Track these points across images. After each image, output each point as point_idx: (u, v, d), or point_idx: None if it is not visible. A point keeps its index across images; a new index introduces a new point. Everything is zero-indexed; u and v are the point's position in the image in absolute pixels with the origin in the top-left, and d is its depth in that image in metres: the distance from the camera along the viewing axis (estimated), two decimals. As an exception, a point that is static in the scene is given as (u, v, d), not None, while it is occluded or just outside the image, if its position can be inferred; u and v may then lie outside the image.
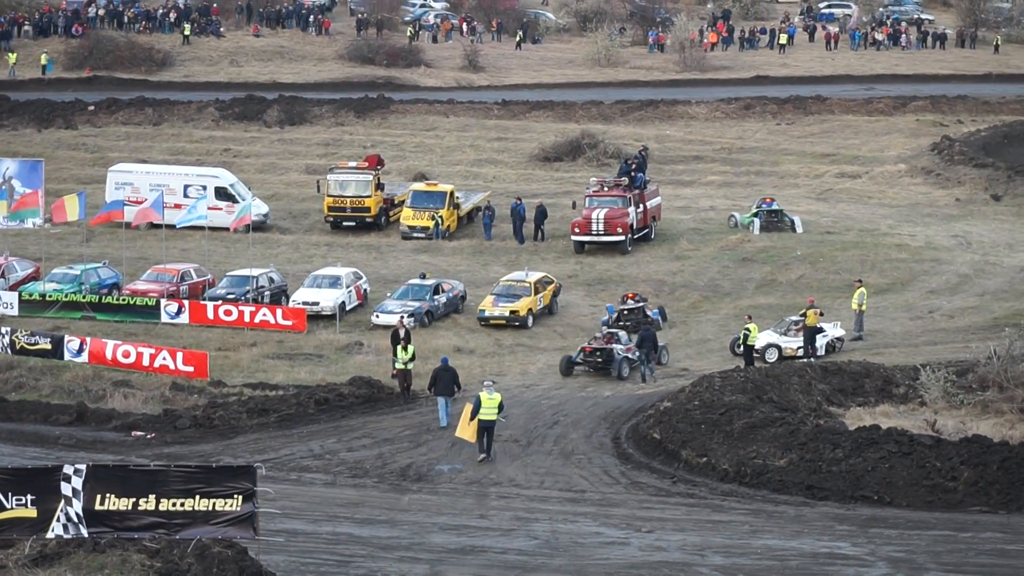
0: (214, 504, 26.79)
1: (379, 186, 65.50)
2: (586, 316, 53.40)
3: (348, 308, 52.87)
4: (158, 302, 51.90)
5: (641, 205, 62.36)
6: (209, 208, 57.67)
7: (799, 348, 47.28)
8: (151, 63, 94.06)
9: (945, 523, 31.47)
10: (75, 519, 26.74)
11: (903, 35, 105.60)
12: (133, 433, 39.47)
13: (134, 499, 26.76)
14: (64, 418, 40.68)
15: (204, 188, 63.73)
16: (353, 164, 67.13)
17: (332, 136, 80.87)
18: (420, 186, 66.25)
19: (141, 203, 59.35)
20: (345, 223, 64.85)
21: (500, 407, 37.13)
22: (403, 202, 65.37)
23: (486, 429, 36.90)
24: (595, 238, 61.19)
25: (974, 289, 56.24)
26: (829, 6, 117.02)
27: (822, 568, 28.66)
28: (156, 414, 41.18)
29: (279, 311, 51.43)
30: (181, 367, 45.05)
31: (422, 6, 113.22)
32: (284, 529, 29.81)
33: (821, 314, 48.14)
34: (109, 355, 45.92)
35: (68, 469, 26.91)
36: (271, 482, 30.33)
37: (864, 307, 49.92)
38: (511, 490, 34.69)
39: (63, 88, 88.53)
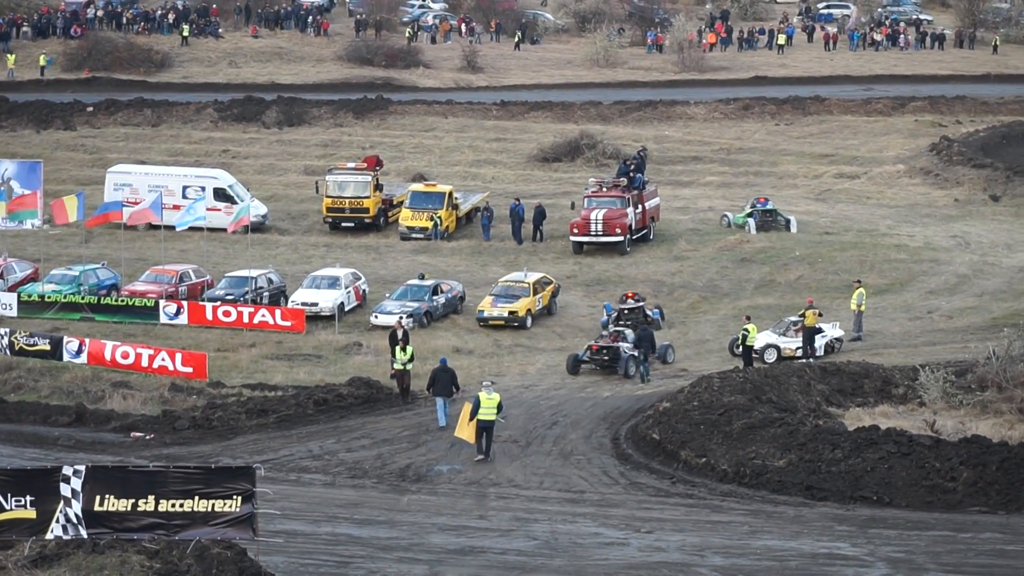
0: (213, 505, 26.78)
1: (378, 187, 65.50)
2: (585, 317, 53.41)
3: (347, 309, 52.88)
4: (157, 303, 51.90)
5: (640, 206, 62.37)
6: (208, 209, 57.68)
7: (798, 348, 47.29)
8: (150, 64, 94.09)
9: (944, 523, 31.47)
10: (74, 520, 26.73)
11: (902, 35, 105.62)
12: (132, 434, 39.45)
13: (133, 500, 26.75)
14: (63, 419, 40.66)
15: (203, 189, 63.75)
16: (352, 165, 67.12)
17: (331, 137, 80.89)
18: (419, 187, 66.27)
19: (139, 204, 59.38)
20: (344, 224, 64.86)
21: (499, 407, 37.16)
22: (402, 203, 65.39)
23: (485, 429, 36.91)
24: (594, 239, 61.20)
25: (973, 289, 56.26)
26: (828, 7, 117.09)
27: (821, 569, 28.65)
28: (155, 415, 41.16)
29: (278, 312, 51.44)
30: (180, 368, 45.05)
31: (421, 7, 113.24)
32: (283, 530, 29.79)
33: (820, 314, 48.15)
34: (108, 356, 45.91)
35: (67, 470, 26.90)
36: (270, 483, 30.31)
37: (863, 307, 49.93)
38: (510, 491, 34.68)
39: (62, 89, 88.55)
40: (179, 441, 38.96)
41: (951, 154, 75.07)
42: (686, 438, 36.61)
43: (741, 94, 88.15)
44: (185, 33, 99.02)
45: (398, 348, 42.92)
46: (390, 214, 65.75)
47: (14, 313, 51.92)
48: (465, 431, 36.86)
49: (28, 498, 26.70)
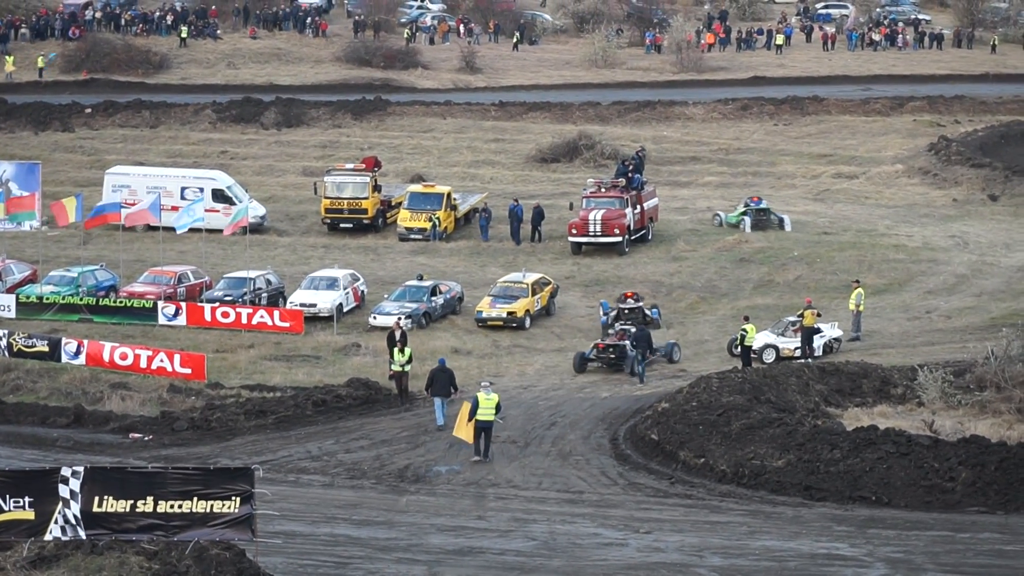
0: (212, 506, 26.77)
1: (376, 188, 65.47)
2: (583, 317, 53.40)
3: (345, 310, 52.88)
4: (155, 304, 51.89)
5: (638, 206, 62.36)
6: (206, 210, 57.64)
7: (797, 349, 47.30)
8: (148, 66, 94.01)
9: (943, 523, 31.46)
10: (73, 521, 26.73)
11: (900, 35, 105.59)
12: (131, 435, 39.45)
13: (132, 501, 26.74)
14: (62, 420, 40.68)
15: (201, 190, 63.71)
16: (350, 166, 67.09)
17: (329, 138, 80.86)
18: (417, 188, 66.26)
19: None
20: (342, 225, 64.83)
21: (497, 408, 37.16)
22: (400, 204, 65.38)
23: (483, 430, 36.92)
24: (592, 239, 61.19)
25: (971, 289, 56.27)
26: (826, 7, 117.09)
27: (820, 569, 28.64)
28: (154, 416, 41.17)
29: (276, 313, 51.43)
30: (178, 369, 45.04)
31: (419, 8, 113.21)
32: (282, 531, 29.78)
33: (818, 314, 48.15)
34: (106, 357, 45.89)
35: (66, 471, 26.89)
36: (269, 484, 30.31)
37: (862, 307, 49.95)
38: (509, 491, 34.68)
39: (60, 91, 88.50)
40: (178, 442, 38.95)
41: (949, 154, 75.07)
42: (685, 438, 36.60)
43: (739, 94, 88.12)
44: (183, 34, 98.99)
45: (396, 349, 42.92)
46: (388, 215, 65.73)
47: (12, 314, 51.91)
48: (463, 431, 36.87)
49: (27, 499, 26.69)
